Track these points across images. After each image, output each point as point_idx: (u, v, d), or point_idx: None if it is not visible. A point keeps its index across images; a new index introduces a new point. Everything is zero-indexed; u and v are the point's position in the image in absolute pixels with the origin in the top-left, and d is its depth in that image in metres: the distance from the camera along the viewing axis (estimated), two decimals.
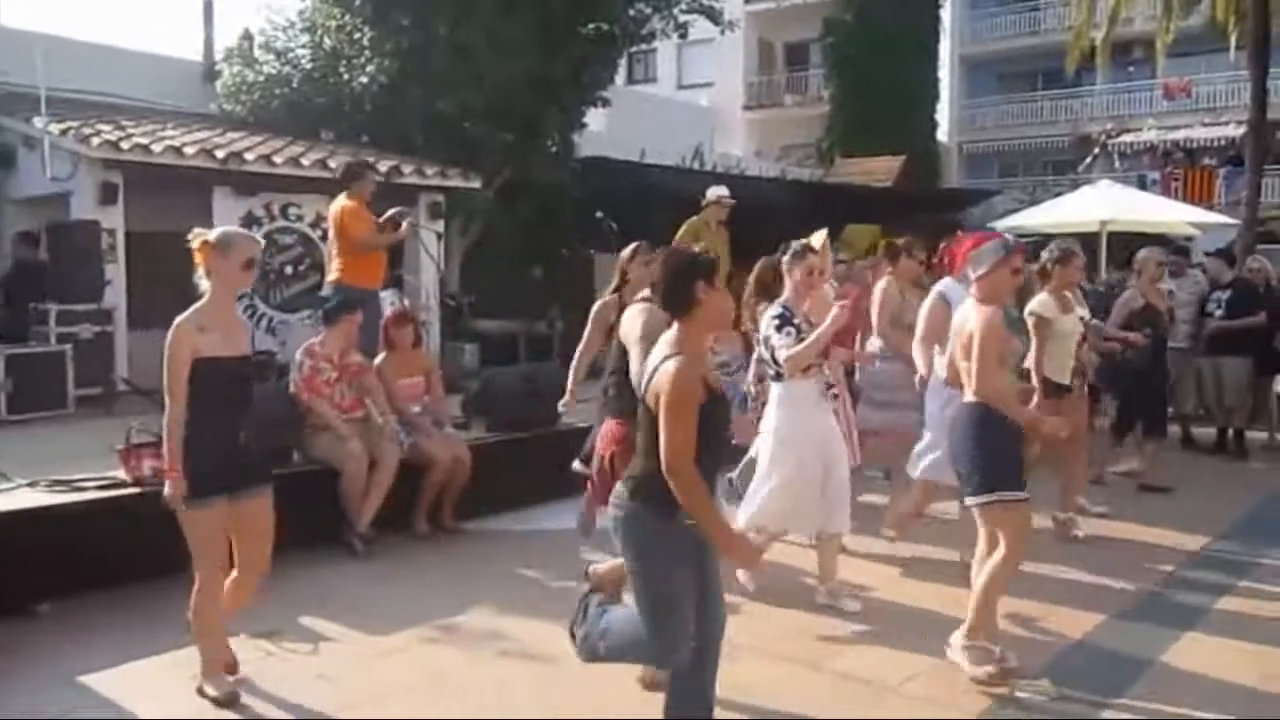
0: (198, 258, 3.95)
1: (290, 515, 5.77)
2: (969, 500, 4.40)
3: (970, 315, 4.43)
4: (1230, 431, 9.48)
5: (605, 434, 4.91)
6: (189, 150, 9.59)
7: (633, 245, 5.46)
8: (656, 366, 3.19)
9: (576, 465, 5.67)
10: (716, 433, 3.24)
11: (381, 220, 7.81)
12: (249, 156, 9.94)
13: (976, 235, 4.71)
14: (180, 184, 9.57)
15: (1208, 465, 8.81)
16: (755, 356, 5.83)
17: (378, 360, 6.74)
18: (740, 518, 5.06)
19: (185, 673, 4.19)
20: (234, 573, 4.09)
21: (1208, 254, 10.70)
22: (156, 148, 9.42)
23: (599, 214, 9.40)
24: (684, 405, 3.10)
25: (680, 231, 8.84)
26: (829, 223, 14.60)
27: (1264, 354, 9.39)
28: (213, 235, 3.96)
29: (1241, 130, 19.30)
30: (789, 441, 5.04)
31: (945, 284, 5.86)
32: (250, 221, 10.01)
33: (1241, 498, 7.65)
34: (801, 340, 4.95)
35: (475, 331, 11.69)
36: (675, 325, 3.26)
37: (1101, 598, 5.36)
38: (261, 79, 12.58)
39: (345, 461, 6.08)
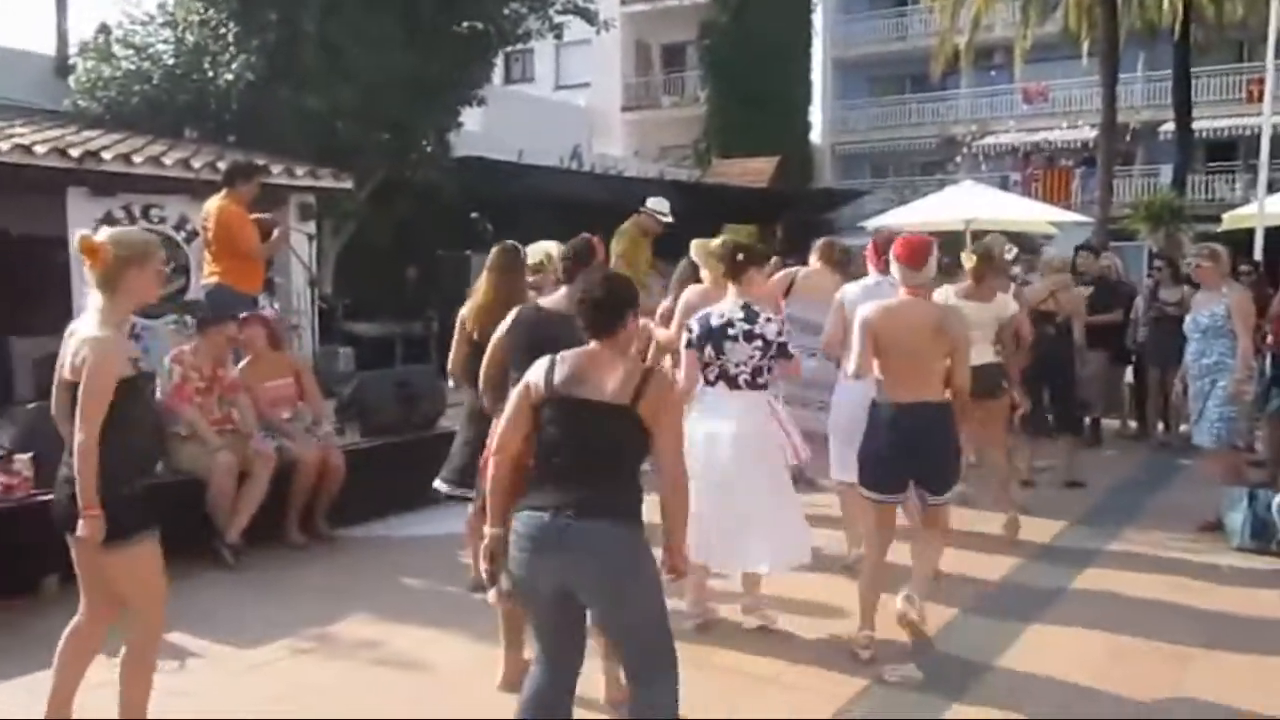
0: (93, 264, 3.38)
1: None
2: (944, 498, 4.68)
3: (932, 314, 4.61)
4: (1087, 421, 9.93)
5: None
6: (40, 149, 9.15)
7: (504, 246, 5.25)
8: (643, 380, 3.07)
9: (443, 485, 5.13)
10: None
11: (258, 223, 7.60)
12: (106, 156, 9.54)
13: (911, 239, 4.71)
14: (31, 185, 9.12)
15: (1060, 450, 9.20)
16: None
17: (239, 366, 6.55)
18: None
19: (39, 698, 4.00)
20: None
21: (1078, 248, 11.15)
22: (3, 145, 8.96)
23: (474, 214, 9.33)
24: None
25: (615, 240, 8.57)
26: (707, 223, 14.86)
27: (1116, 347, 9.87)
28: (117, 240, 3.42)
29: (1095, 133, 20.24)
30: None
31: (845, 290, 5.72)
32: (109, 223, 9.56)
33: (1096, 484, 8.00)
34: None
35: (350, 334, 11.48)
36: (594, 343, 3.17)
37: (951, 590, 5.35)
38: (119, 75, 12.09)
39: (213, 473, 5.89)
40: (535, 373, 3.16)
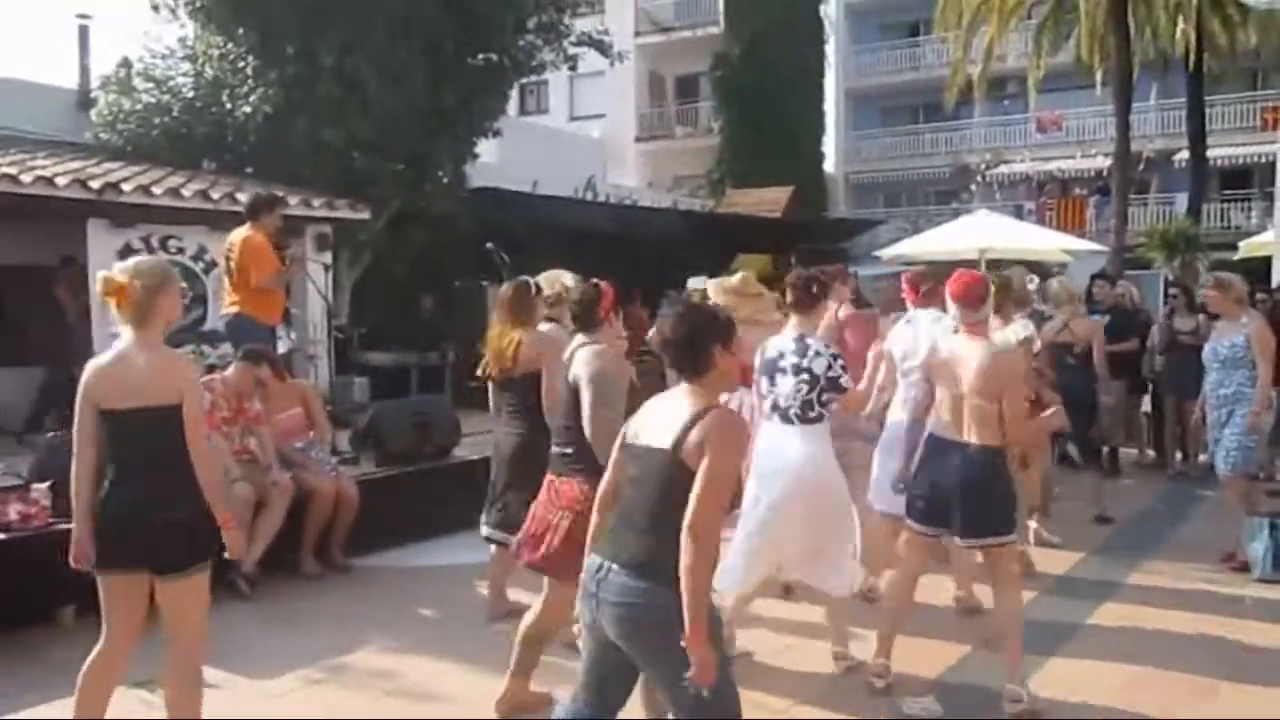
0: (122, 301, 3.45)
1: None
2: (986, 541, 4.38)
3: (986, 356, 4.37)
4: (1105, 450, 9.86)
5: (561, 494, 4.06)
6: (61, 180, 9.24)
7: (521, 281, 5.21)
8: (693, 420, 2.87)
9: (491, 531, 5.08)
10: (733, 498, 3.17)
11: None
12: (126, 187, 9.62)
13: (965, 274, 4.64)
14: (53, 215, 9.22)
15: (1082, 483, 9.10)
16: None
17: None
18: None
19: None
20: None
21: (1094, 277, 11.12)
22: (26, 178, 9.05)
23: (489, 245, 9.37)
24: (736, 460, 2.96)
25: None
26: (721, 252, 14.91)
27: (1134, 376, 9.82)
28: (138, 272, 3.48)
29: (1109, 161, 20.25)
30: None
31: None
32: (127, 253, 9.63)
33: (1114, 514, 7.93)
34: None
35: (365, 364, 11.51)
36: (685, 385, 3.00)
37: (968, 624, 5.36)
38: (139, 108, 12.22)
39: (233, 503, 5.88)
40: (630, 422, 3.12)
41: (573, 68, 14.46)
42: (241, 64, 11.92)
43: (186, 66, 12.75)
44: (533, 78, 15.01)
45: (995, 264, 14.06)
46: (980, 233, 14.87)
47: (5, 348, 9.66)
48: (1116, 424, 9.78)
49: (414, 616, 5.64)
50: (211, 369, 7.43)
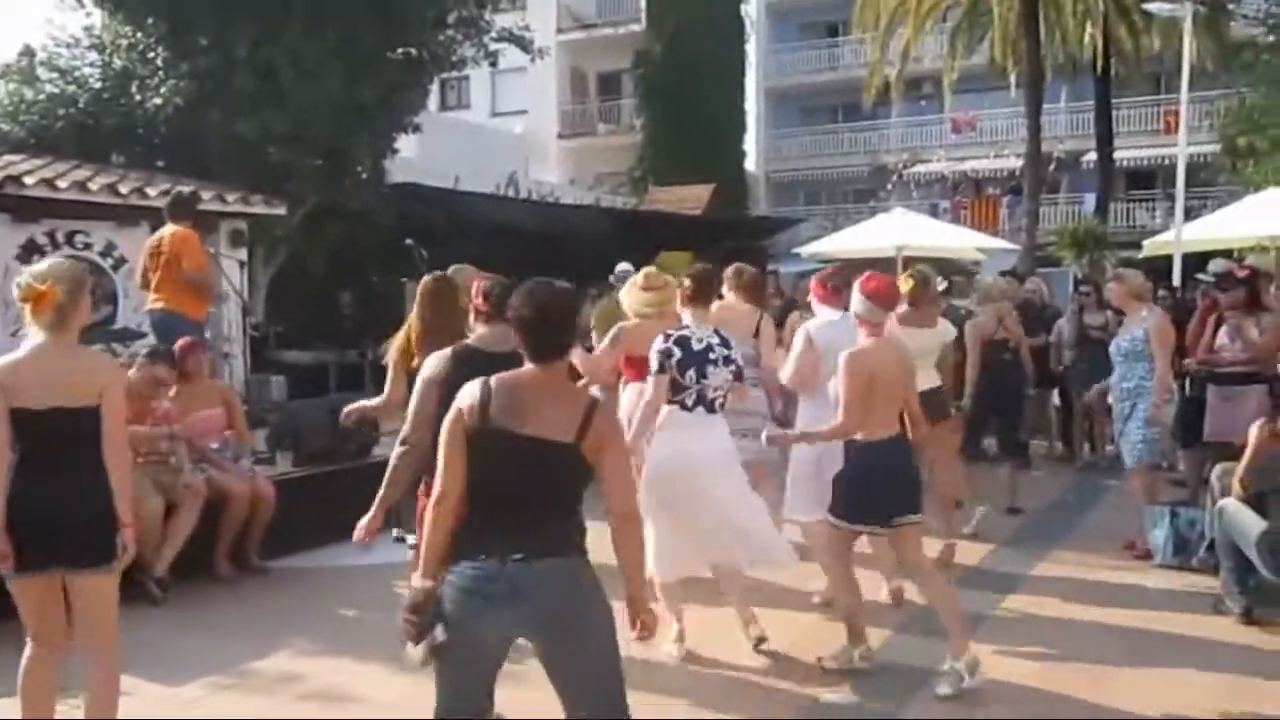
0: (41, 307, 3.44)
1: None
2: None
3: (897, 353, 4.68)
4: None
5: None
6: None
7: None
8: (589, 415, 2.87)
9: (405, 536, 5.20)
10: None
11: None
12: (29, 180, 9.33)
13: (875, 277, 4.72)
14: None
15: (993, 475, 9.31)
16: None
17: (172, 393, 6.44)
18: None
19: None
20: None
21: (1002, 273, 11.41)
22: None
23: (409, 241, 9.27)
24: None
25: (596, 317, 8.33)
26: (643, 250, 14.94)
27: (1043, 369, 10.08)
28: (58, 278, 3.48)
29: (1021, 162, 20.77)
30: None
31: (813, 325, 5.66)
32: (32, 250, 9.39)
33: (1024, 506, 8.14)
34: None
35: (283, 362, 11.32)
36: (533, 367, 2.95)
37: (884, 611, 5.44)
38: (43, 98, 11.88)
39: (137, 505, 5.74)
40: (467, 398, 2.91)
41: (493, 64, 14.42)
42: (151, 54, 11.66)
43: (93, 56, 12.45)
44: (453, 73, 14.91)
45: (910, 261, 14.37)
46: (897, 231, 15.18)
47: None
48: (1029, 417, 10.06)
49: (331, 618, 5.56)
50: (125, 367, 7.24)
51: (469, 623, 2.82)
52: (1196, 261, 12.10)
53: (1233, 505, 5.43)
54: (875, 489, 4.53)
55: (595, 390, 4.91)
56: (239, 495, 6.23)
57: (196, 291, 7.51)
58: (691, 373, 4.71)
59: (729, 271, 6.28)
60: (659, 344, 4.74)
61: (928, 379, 6.13)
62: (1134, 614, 5.55)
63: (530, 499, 2.85)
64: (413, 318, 5.00)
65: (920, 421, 4.64)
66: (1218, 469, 6.12)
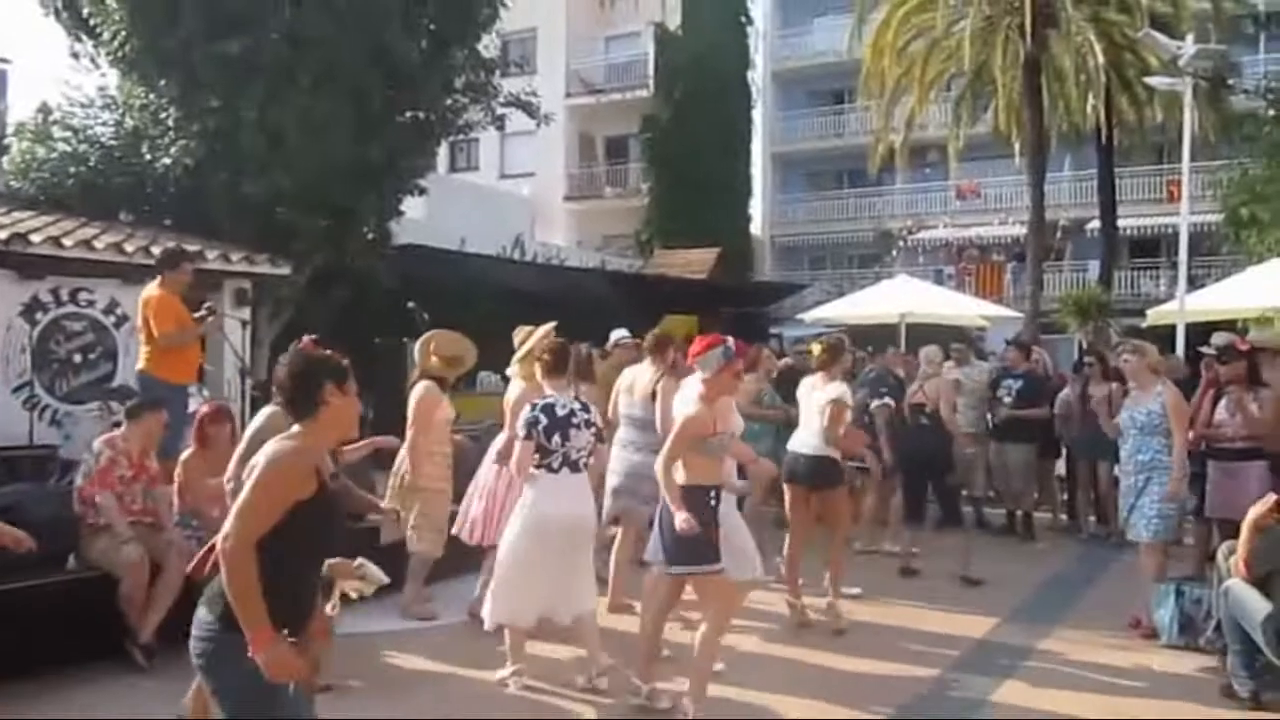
0: None
1: (66, 625, 5.40)
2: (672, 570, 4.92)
3: (683, 406, 5.10)
4: (1019, 513, 10.02)
5: None
6: None
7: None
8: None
9: None
10: (320, 533, 2.98)
11: (196, 315, 7.50)
12: (35, 238, 9.36)
13: (705, 339, 5.00)
14: None
15: (997, 547, 9.22)
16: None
17: (184, 455, 6.37)
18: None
19: None
20: None
21: (1008, 342, 11.42)
22: None
23: (410, 304, 9.29)
24: (279, 483, 2.86)
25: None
26: (647, 312, 14.94)
27: (1046, 440, 10.02)
28: None
29: (1025, 229, 20.84)
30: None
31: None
32: (35, 307, 9.40)
33: (1028, 578, 8.03)
34: None
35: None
36: (295, 427, 3.02)
37: (880, 691, 5.38)
38: (54, 156, 11.98)
39: (124, 568, 5.66)
40: (300, 458, 3.04)
41: (500, 127, 14.54)
42: (163, 114, 11.78)
43: (106, 116, 12.58)
44: (462, 136, 15.06)
45: (913, 328, 14.37)
46: (901, 298, 15.19)
47: None
48: (1026, 488, 9.97)
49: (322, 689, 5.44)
50: (117, 425, 7.19)
51: None
52: (1199, 332, 12.05)
53: (1238, 586, 5.32)
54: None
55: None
56: None
57: (175, 354, 7.37)
58: (556, 437, 5.14)
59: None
60: (525, 412, 5.25)
61: (817, 445, 6.55)
62: (1140, 700, 5.40)
63: None
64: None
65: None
66: (1224, 547, 6.00)
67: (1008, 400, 9.89)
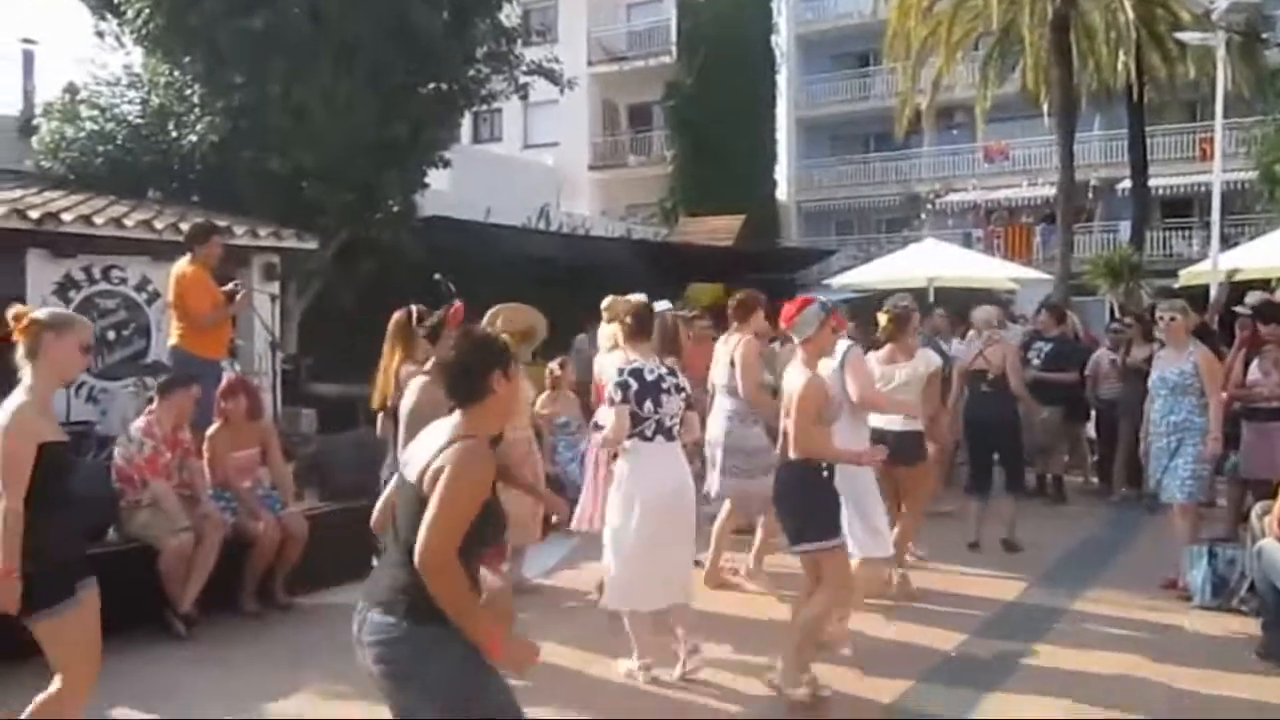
0: (20, 336, 3.52)
1: (106, 597, 5.49)
2: (796, 549, 4.75)
3: (795, 378, 4.70)
4: (1049, 476, 9.99)
5: None
6: None
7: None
8: (439, 452, 2.78)
9: None
10: (489, 533, 2.93)
11: (224, 291, 7.54)
12: (66, 217, 9.46)
13: (794, 303, 4.89)
14: None
15: (1028, 510, 9.15)
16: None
17: (210, 431, 6.47)
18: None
19: None
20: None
21: (1041, 305, 11.32)
22: None
23: (437, 276, 9.31)
24: (472, 491, 2.75)
25: None
26: (674, 281, 14.91)
27: (1075, 402, 9.96)
28: (43, 313, 3.59)
29: (1055, 190, 20.60)
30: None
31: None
32: (69, 285, 9.52)
33: (1058, 541, 8.00)
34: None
35: (313, 395, 11.36)
36: (458, 413, 2.90)
37: (909, 656, 5.36)
38: (83, 135, 12.04)
39: (166, 539, 5.78)
40: (487, 459, 2.91)
41: (523, 97, 14.49)
42: (188, 92, 11.81)
43: (132, 94, 12.62)
44: (485, 106, 15.02)
45: (941, 293, 14.27)
46: (929, 261, 15.10)
47: None
48: (1058, 450, 9.91)
49: (350, 658, 5.49)
50: (152, 400, 7.29)
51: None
52: (1232, 292, 11.91)
53: (1271, 546, 5.29)
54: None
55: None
56: (265, 539, 6.23)
57: (207, 330, 7.40)
58: (649, 403, 4.88)
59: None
60: (615, 377, 4.99)
61: (905, 420, 6.29)
62: (1172, 662, 5.37)
63: (392, 546, 2.88)
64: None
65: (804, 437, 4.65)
66: (1258, 507, 5.98)
67: (1036, 363, 9.83)
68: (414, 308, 5.28)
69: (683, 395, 4.98)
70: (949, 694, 4.83)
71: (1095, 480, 10.45)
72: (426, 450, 2.81)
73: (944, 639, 5.68)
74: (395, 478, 3.02)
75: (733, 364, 6.40)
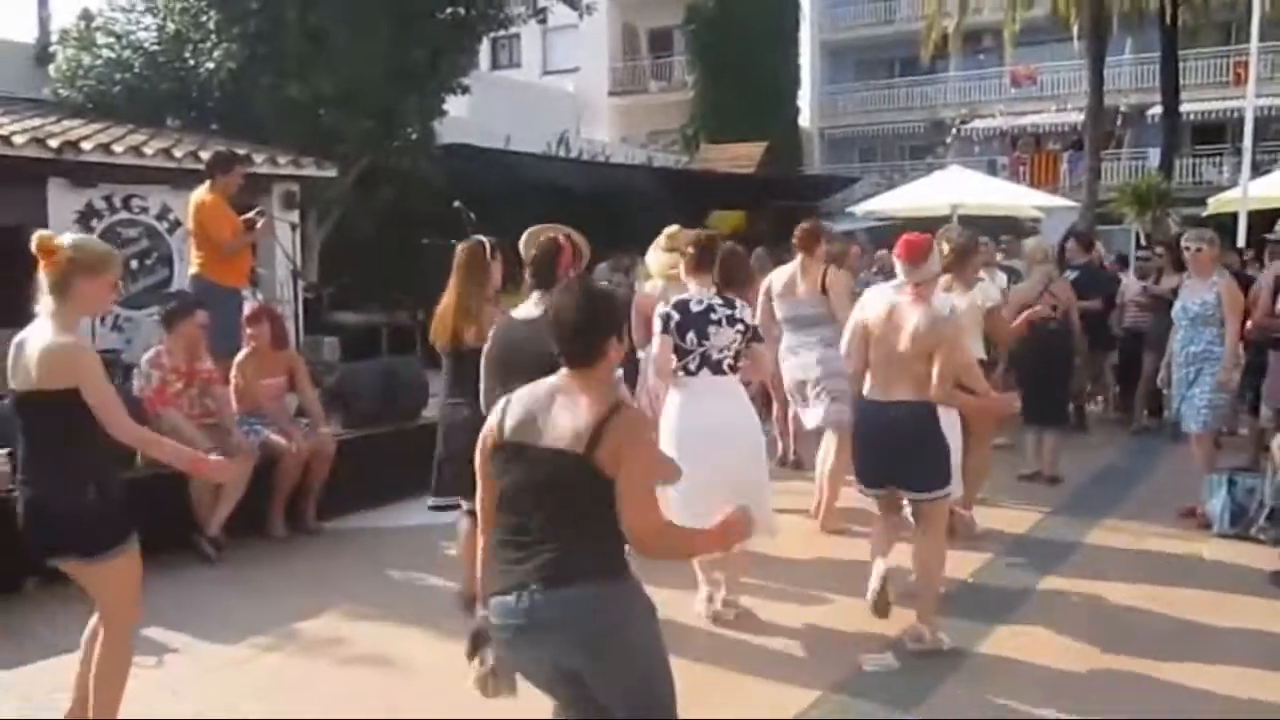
0: (47, 265, 3.31)
1: (135, 522, 5.62)
2: (928, 496, 4.55)
3: (915, 313, 4.49)
4: (1071, 405, 9.94)
5: None
6: (18, 139, 9.07)
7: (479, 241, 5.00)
8: (603, 423, 2.57)
9: (435, 503, 5.02)
10: None
11: (243, 219, 7.53)
12: (86, 146, 9.46)
13: (920, 238, 4.63)
14: (10, 175, 9.06)
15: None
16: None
17: (238, 358, 6.53)
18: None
19: (14, 694, 4.02)
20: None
21: (1069, 233, 11.16)
22: None
23: (457, 203, 9.29)
24: (655, 467, 2.75)
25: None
26: (695, 209, 14.81)
27: (1099, 331, 9.87)
28: (74, 248, 3.36)
29: (1083, 116, 20.23)
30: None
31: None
32: (90, 214, 9.54)
33: (1079, 470, 7.99)
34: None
35: (335, 324, 11.44)
36: (565, 373, 2.71)
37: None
38: (100, 63, 11.99)
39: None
40: (493, 416, 2.76)
41: (542, 21, 14.31)
42: (204, 18, 11.72)
43: (148, 20, 12.53)
44: (503, 31, 14.83)
45: (966, 220, 14.12)
46: (953, 189, 14.91)
47: None
48: (1078, 379, 9.88)
49: (378, 580, 5.64)
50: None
51: (508, 656, 2.72)
52: (1262, 221, 11.73)
53: None
54: (867, 449, 4.67)
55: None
56: (290, 454, 6.31)
57: (227, 258, 7.38)
58: (691, 335, 4.70)
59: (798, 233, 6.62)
60: (660, 308, 4.85)
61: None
62: (1188, 588, 5.39)
63: (543, 519, 2.62)
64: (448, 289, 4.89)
65: (941, 392, 4.42)
66: (1278, 437, 5.96)
67: None
68: (484, 239, 4.92)
69: (738, 328, 4.72)
70: (953, 626, 4.75)
71: (1115, 409, 10.41)
72: (570, 418, 2.60)
73: (958, 569, 5.60)
74: (501, 450, 2.70)
75: (825, 291, 6.36)
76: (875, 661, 4.39)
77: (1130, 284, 10.09)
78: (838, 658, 4.47)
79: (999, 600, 5.24)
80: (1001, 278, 8.19)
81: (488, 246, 4.88)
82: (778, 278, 6.73)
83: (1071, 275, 9.77)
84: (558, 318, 2.70)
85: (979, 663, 4.48)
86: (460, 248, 4.96)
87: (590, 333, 2.68)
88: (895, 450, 4.47)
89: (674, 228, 6.18)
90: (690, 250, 5.04)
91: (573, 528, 2.60)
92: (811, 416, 6.53)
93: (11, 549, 4.78)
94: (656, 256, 6.12)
